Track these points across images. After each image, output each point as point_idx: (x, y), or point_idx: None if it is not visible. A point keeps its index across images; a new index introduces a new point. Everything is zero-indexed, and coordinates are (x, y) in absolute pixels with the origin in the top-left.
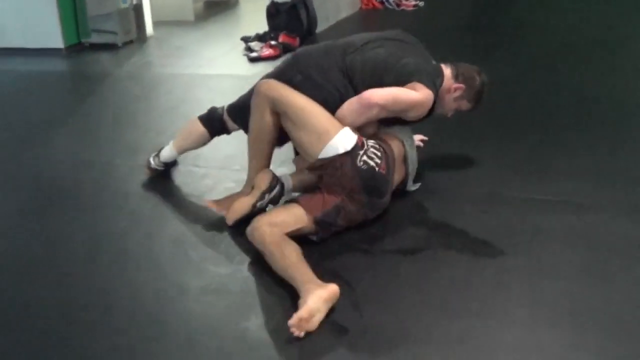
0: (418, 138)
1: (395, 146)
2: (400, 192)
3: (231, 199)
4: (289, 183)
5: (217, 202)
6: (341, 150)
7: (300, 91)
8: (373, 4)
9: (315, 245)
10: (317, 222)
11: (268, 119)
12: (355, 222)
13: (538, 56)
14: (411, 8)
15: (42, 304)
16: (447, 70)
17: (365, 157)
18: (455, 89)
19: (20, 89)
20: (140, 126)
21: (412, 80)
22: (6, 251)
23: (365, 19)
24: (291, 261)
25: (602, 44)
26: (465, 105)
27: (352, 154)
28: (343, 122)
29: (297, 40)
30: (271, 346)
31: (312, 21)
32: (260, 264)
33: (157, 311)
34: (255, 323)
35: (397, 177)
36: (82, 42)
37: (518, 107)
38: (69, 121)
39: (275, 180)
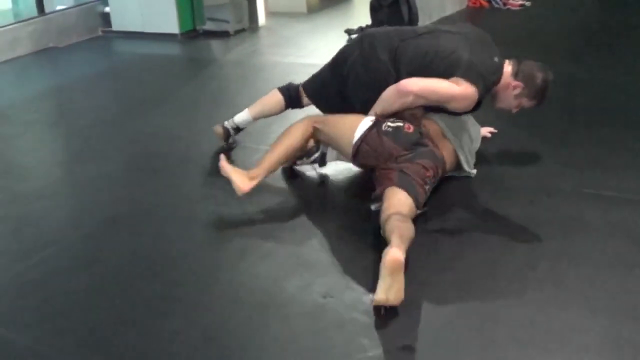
0: (486, 130)
1: (430, 125)
2: (457, 178)
3: (238, 171)
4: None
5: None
6: (365, 128)
7: (352, 67)
8: (480, 2)
9: (365, 221)
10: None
11: (303, 140)
12: (423, 175)
13: (634, 60)
14: (517, 7)
15: (116, 255)
16: (507, 68)
17: (388, 123)
18: (515, 87)
19: (135, 69)
20: (230, 107)
21: (456, 75)
22: (96, 205)
23: (471, 16)
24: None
25: None
26: (526, 102)
27: (376, 127)
28: (379, 104)
29: None
30: (301, 304)
31: (414, 17)
32: (311, 236)
33: (216, 269)
34: (293, 284)
35: (445, 154)
36: (197, 29)
37: (596, 107)
38: (170, 100)
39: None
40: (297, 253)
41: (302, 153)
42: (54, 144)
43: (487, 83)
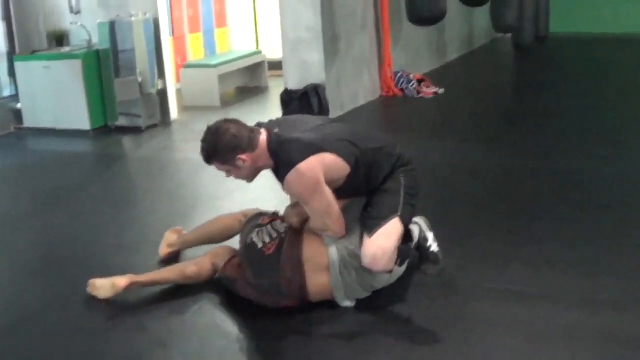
0: None
1: (316, 250)
2: None
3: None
4: None
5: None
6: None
7: None
8: (394, 91)
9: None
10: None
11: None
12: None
13: (541, 145)
14: (430, 95)
15: None
16: None
17: (255, 234)
18: None
19: (43, 166)
20: (134, 208)
21: None
22: None
23: (384, 106)
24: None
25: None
26: None
27: (244, 232)
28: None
29: None
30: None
31: (324, 109)
32: None
33: None
34: None
35: (315, 281)
36: (109, 125)
37: (504, 196)
38: (74, 199)
39: None
40: None
41: None
42: None
43: None
